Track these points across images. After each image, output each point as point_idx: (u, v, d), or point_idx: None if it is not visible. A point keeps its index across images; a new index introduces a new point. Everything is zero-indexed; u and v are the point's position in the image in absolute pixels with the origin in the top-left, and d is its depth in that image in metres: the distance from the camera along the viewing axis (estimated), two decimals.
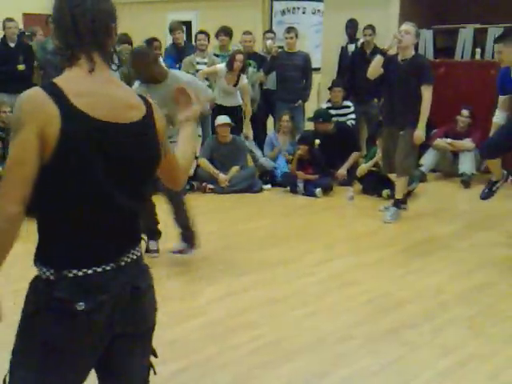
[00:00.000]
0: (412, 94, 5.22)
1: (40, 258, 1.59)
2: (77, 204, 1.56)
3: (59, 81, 1.56)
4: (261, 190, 6.67)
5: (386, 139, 5.62)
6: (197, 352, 3.08)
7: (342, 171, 6.80)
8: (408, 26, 5.33)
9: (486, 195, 5.03)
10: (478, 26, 7.54)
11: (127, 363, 1.71)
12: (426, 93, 5.19)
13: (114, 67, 1.64)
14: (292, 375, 2.89)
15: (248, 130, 7.06)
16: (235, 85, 6.82)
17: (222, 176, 6.55)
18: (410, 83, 5.22)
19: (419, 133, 5.23)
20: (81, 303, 1.53)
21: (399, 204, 5.53)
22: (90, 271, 1.56)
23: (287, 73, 7.17)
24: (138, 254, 1.69)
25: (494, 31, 7.36)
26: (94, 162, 1.54)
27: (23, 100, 1.52)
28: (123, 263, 1.62)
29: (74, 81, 1.56)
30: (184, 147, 1.90)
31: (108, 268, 1.59)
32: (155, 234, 4.51)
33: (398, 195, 5.53)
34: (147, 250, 4.37)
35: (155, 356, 1.80)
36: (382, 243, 4.94)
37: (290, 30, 7.35)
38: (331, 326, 3.39)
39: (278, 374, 2.89)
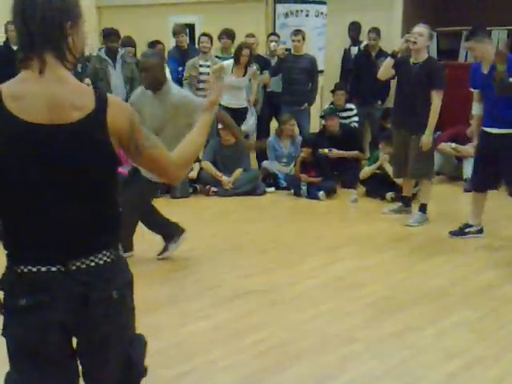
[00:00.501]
0: (423, 98, 5.18)
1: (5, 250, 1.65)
2: (17, 206, 1.59)
3: (5, 84, 1.57)
4: (264, 192, 6.67)
5: (396, 143, 5.56)
6: (201, 355, 3.08)
7: (337, 154, 6.80)
8: (421, 28, 5.23)
9: (457, 234, 5.04)
10: None
11: (91, 369, 1.72)
12: (436, 98, 5.14)
13: (68, 65, 1.59)
14: (296, 379, 2.88)
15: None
16: (244, 75, 6.84)
17: (225, 178, 6.55)
18: (421, 87, 5.16)
19: (426, 139, 5.20)
20: (23, 299, 1.58)
21: (425, 210, 5.50)
22: (34, 269, 1.58)
23: (293, 75, 7.18)
24: (101, 262, 1.63)
25: (496, 33, 7.35)
26: (27, 164, 1.54)
27: None
28: (74, 267, 1.60)
29: (18, 83, 1.57)
30: (188, 142, 1.84)
31: (53, 269, 1.59)
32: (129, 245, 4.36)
33: (424, 200, 5.51)
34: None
35: (142, 372, 1.79)
36: (386, 246, 4.93)
37: (297, 32, 7.34)
38: (335, 329, 3.39)
39: (282, 378, 2.88)
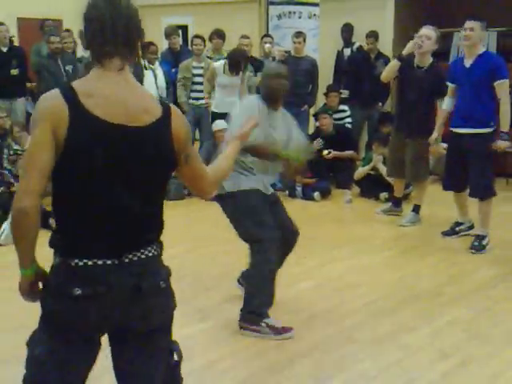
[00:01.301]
0: (423, 104, 5.18)
1: (51, 245, 1.70)
2: (82, 201, 1.64)
3: (77, 82, 1.66)
4: None
5: (393, 144, 5.59)
6: (200, 356, 3.10)
7: (334, 155, 6.83)
8: (429, 31, 5.12)
9: (449, 233, 5.09)
10: None
11: (134, 362, 1.76)
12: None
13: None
14: (294, 379, 2.91)
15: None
16: (237, 73, 6.81)
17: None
18: (423, 93, 5.14)
19: (438, 147, 5.21)
20: (77, 289, 1.63)
21: (418, 210, 5.54)
22: (90, 262, 1.65)
23: (294, 77, 7.17)
24: (150, 254, 1.73)
25: (487, 34, 7.39)
26: (100, 162, 1.61)
27: (39, 101, 1.63)
28: (127, 260, 1.68)
29: (91, 82, 1.66)
30: (221, 162, 1.98)
31: (109, 262, 1.66)
32: None
33: (418, 202, 5.56)
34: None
35: (174, 356, 1.87)
36: (380, 246, 4.97)
37: (298, 34, 7.34)
38: (331, 330, 3.42)
39: (280, 378, 2.91)
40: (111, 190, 1.64)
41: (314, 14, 9.08)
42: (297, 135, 3.68)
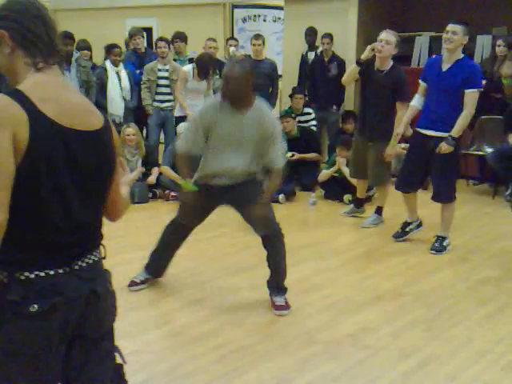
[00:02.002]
0: (385, 107, 5.20)
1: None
2: (37, 209, 1.58)
3: (24, 87, 1.59)
4: None
5: (356, 146, 5.62)
6: (161, 362, 3.08)
7: (298, 157, 6.88)
8: (389, 36, 5.10)
9: (399, 235, 5.16)
10: (433, 33, 7.74)
11: (85, 368, 1.73)
12: (401, 110, 5.09)
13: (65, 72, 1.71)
14: (256, 382, 2.91)
15: None
16: (205, 78, 6.82)
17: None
18: (384, 96, 5.16)
19: (390, 149, 5.24)
20: (34, 305, 1.56)
21: (380, 212, 5.61)
22: (42, 273, 1.59)
23: (254, 80, 7.21)
24: (96, 258, 1.72)
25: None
26: (60, 168, 1.58)
27: None
28: (77, 267, 1.65)
29: (38, 87, 1.60)
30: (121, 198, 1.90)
31: (60, 271, 1.62)
32: None
33: (381, 204, 5.63)
34: None
35: (123, 360, 1.85)
36: (343, 248, 5.02)
37: (257, 37, 7.37)
38: (294, 332, 3.43)
39: (242, 382, 2.91)
40: (63, 197, 1.61)
41: (279, 18, 9.15)
42: (268, 140, 3.60)
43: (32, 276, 1.58)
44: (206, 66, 6.72)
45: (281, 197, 6.43)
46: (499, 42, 6.67)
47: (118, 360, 1.84)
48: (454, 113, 4.61)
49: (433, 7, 7.87)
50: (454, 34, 4.56)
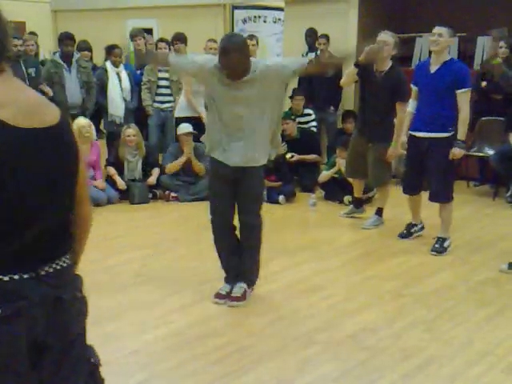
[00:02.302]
0: (384, 108, 5.21)
1: None
2: None
3: None
4: None
5: (353, 146, 5.62)
6: (160, 362, 3.07)
7: (298, 158, 6.89)
8: (387, 37, 5.15)
9: (405, 236, 5.21)
10: None
11: (57, 376, 1.68)
12: (401, 111, 5.11)
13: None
14: (257, 383, 2.91)
15: None
16: None
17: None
18: (383, 97, 5.17)
19: (392, 151, 5.26)
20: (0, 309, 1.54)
21: (380, 212, 5.63)
22: (6, 278, 1.56)
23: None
24: (64, 264, 1.68)
25: None
26: (19, 171, 1.54)
27: None
28: (43, 273, 1.62)
29: None
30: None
31: (26, 276, 1.58)
32: None
33: (381, 204, 5.66)
34: None
35: (96, 361, 1.78)
36: (343, 249, 5.02)
37: (251, 37, 7.39)
38: (294, 333, 3.43)
39: (242, 383, 2.90)
40: (27, 201, 1.57)
41: (279, 19, 9.14)
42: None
43: None
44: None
45: (281, 198, 6.43)
46: (501, 43, 6.68)
47: (93, 361, 1.77)
48: (444, 113, 4.68)
49: (433, 8, 7.87)
50: (440, 36, 4.68)
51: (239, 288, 3.84)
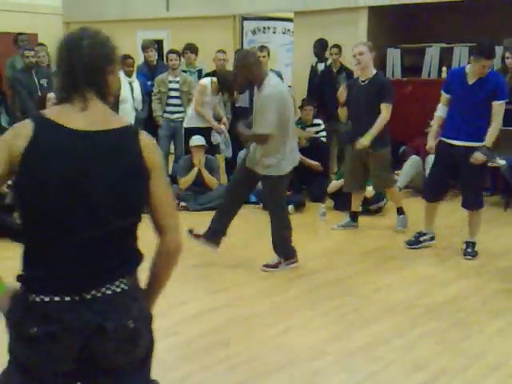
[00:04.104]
0: (377, 114, 5.28)
1: (18, 278, 1.60)
2: (39, 228, 1.54)
3: (47, 111, 1.65)
4: None
5: (352, 158, 5.65)
6: (171, 371, 3.06)
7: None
8: (359, 47, 5.33)
9: (413, 243, 5.20)
10: (444, 45, 7.74)
11: None
12: (384, 111, 5.26)
13: (109, 101, 1.71)
14: None
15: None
16: (218, 93, 6.98)
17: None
18: (373, 103, 5.28)
19: (363, 140, 5.28)
20: (34, 328, 1.51)
21: (402, 211, 5.72)
22: (46, 299, 1.52)
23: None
24: (118, 289, 1.58)
25: (459, 50, 7.56)
26: (60, 174, 1.52)
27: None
28: (89, 296, 1.54)
29: (58, 109, 1.63)
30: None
31: (67, 299, 1.52)
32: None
33: (398, 204, 5.74)
34: None
35: None
36: (354, 259, 4.99)
37: (262, 48, 7.43)
38: (305, 343, 3.41)
39: None
40: (70, 213, 1.53)
41: (288, 30, 9.20)
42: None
43: (38, 299, 1.53)
44: (230, 85, 6.83)
45: (290, 207, 6.40)
46: (507, 54, 6.69)
47: None
48: (479, 123, 4.77)
49: (443, 18, 7.86)
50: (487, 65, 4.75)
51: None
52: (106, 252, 1.57)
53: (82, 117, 1.60)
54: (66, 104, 1.63)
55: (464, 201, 4.98)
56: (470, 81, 4.76)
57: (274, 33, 9.33)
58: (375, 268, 4.78)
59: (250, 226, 6.18)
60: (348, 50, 7.64)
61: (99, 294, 1.55)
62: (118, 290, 1.58)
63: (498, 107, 4.74)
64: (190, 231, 4.71)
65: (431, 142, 5.10)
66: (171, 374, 3.05)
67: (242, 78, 4.34)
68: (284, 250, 4.68)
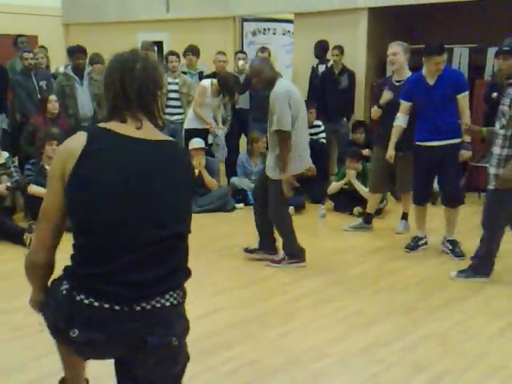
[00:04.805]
0: (410, 118, 5.23)
1: (65, 269, 1.60)
2: (96, 234, 1.51)
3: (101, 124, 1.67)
4: (233, 208, 6.70)
5: (377, 161, 5.60)
6: None
7: None
8: (394, 47, 5.34)
9: (412, 248, 5.21)
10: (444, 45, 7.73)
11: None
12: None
13: (157, 121, 1.73)
14: None
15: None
16: (218, 95, 6.98)
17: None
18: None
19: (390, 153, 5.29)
20: (75, 330, 1.48)
21: (406, 217, 5.76)
22: (96, 303, 1.48)
23: (261, 92, 7.24)
24: (167, 303, 1.55)
25: (459, 51, 7.56)
26: (116, 182, 1.51)
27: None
28: (138, 308, 1.50)
29: (113, 124, 1.65)
30: None
31: (117, 308, 1.48)
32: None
33: (407, 209, 5.76)
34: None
35: None
36: (353, 261, 4.99)
37: (263, 49, 7.45)
38: (306, 345, 3.41)
39: None
40: (126, 222, 1.50)
41: (288, 31, 9.21)
42: None
43: (86, 302, 1.49)
44: (231, 87, 6.84)
45: (290, 209, 6.41)
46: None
47: None
48: (451, 120, 4.86)
49: (442, 19, 7.87)
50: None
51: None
52: (159, 262, 1.55)
53: (138, 132, 1.63)
54: (117, 122, 1.64)
55: (445, 198, 5.05)
56: (431, 81, 4.88)
57: (274, 34, 9.33)
58: (376, 269, 4.78)
59: (251, 227, 6.18)
60: (348, 51, 7.67)
61: (149, 307, 1.52)
62: (167, 303, 1.56)
63: (463, 99, 4.87)
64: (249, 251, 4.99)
65: (391, 151, 5.22)
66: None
67: (259, 85, 4.74)
68: (289, 249, 4.79)
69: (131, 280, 1.50)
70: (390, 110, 5.38)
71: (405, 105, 5.09)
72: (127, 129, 1.61)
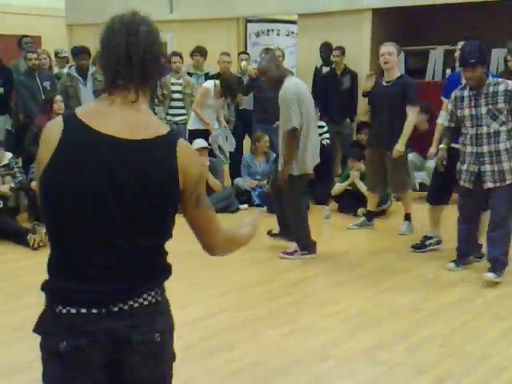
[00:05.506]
0: (399, 115, 5.31)
1: (42, 286, 1.56)
2: (63, 236, 1.48)
3: (81, 107, 1.57)
4: (237, 209, 6.68)
5: (371, 160, 5.66)
6: (173, 376, 3.04)
7: None
8: (389, 47, 5.38)
9: (418, 247, 5.19)
10: (448, 47, 7.71)
11: None
12: (411, 114, 5.31)
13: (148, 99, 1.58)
14: None
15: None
16: (221, 96, 6.97)
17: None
18: (396, 104, 5.31)
19: (399, 147, 5.33)
20: (63, 342, 1.47)
21: (409, 217, 5.72)
22: (73, 310, 1.47)
23: (265, 94, 7.24)
24: (145, 302, 1.53)
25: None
26: (87, 179, 1.44)
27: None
28: (116, 309, 1.48)
29: (94, 106, 1.55)
30: (236, 235, 1.88)
31: (94, 311, 1.47)
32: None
33: (408, 210, 5.72)
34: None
35: None
36: (358, 262, 4.98)
37: (267, 50, 7.43)
38: (308, 346, 3.39)
39: None
40: (95, 222, 1.46)
41: (292, 32, 9.20)
42: None
43: (64, 311, 1.47)
44: (233, 89, 6.85)
45: None
46: (508, 57, 6.69)
47: None
48: None
49: (446, 20, 7.85)
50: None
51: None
52: (133, 265, 1.51)
53: (122, 124, 1.49)
54: (106, 103, 1.50)
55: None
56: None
57: (278, 35, 9.33)
58: (379, 270, 4.76)
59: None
60: (352, 52, 7.65)
61: (126, 307, 1.50)
62: (146, 302, 1.54)
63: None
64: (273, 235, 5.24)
65: (433, 149, 5.15)
66: (174, 377, 3.01)
67: (266, 83, 4.93)
68: (301, 241, 4.93)
69: (105, 289, 1.48)
70: (379, 112, 5.42)
71: (446, 103, 5.00)
72: (111, 121, 1.47)
